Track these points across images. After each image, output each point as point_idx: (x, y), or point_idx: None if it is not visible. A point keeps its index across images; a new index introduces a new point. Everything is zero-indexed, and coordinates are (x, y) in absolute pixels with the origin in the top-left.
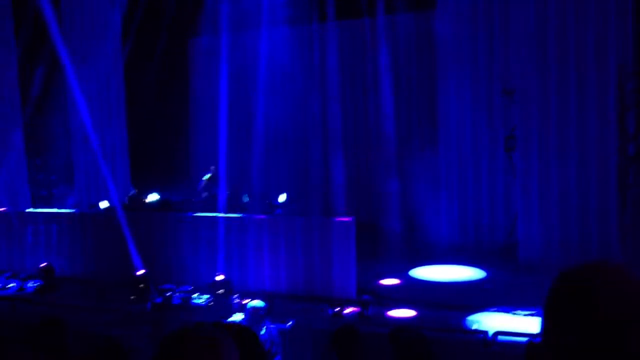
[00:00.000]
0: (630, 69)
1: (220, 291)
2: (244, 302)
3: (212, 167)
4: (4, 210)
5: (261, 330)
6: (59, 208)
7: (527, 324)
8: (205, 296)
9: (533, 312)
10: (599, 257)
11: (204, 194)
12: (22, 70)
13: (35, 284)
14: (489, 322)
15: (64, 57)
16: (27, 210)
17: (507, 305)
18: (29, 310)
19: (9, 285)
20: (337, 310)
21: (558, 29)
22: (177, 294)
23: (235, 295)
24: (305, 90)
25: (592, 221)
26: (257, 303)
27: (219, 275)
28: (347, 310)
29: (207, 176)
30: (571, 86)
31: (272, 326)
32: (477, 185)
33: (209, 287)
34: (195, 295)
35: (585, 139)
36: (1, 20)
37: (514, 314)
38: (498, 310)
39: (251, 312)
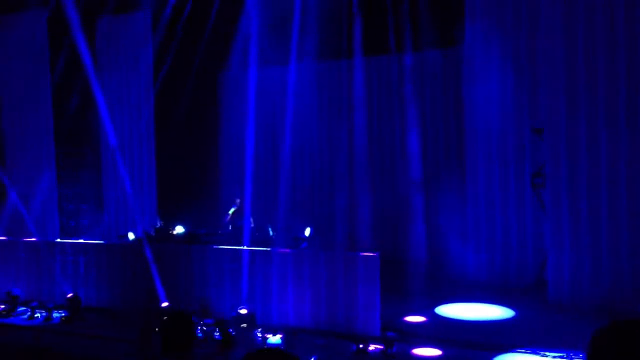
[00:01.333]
0: None
1: (244, 325)
2: (266, 336)
3: (237, 200)
4: (33, 241)
5: None
6: (87, 238)
7: None
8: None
9: (562, 354)
10: (632, 295)
11: (230, 227)
12: (56, 102)
13: (61, 314)
14: None
15: (97, 89)
16: (56, 240)
17: (535, 346)
18: (54, 340)
19: (36, 315)
20: (360, 347)
21: (587, 64)
22: (200, 327)
23: (259, 329)
24: (332, 125)
25: (623, 260)
26: (275, 340)
27: (242, 308)
28: (371, 347)
29: (232, 210)
30: (600, 121)
31: None
32: (504, 223)
33: (232, 320)
34: (218, 328)
35: (615, 175)
36: (38, 52)
37: (543, 355)
38: (526, 351)
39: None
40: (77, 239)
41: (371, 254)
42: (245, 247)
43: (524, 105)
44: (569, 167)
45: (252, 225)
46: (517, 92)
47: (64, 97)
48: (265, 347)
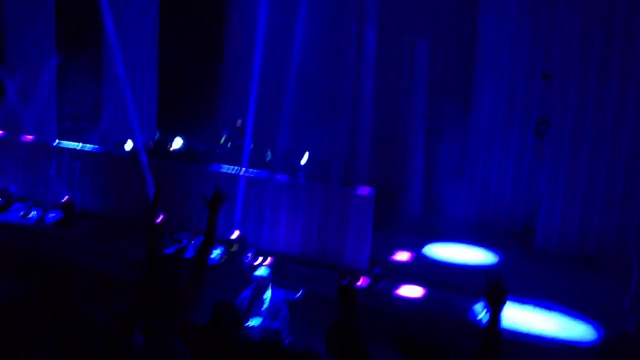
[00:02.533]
0: None
1: (235, 247)
2: (256, 260)
3: (240, 120)
4: (31, 140)
5: (266, 296)
6: (84, 143)
7: (533, 318)
8: (217, 251)
9: (541, 306)
10: (616, 255)
11: (228, 144)
12: (58, 4)
13: (54, 216)
14: None
15: None
16: (54, 143)
17: (518, 294)
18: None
19: (31, 214)
20: (346, 282)
21: (604, 18)
22: (192, 244)
23: (249, 253)
24: (341, 58)
25: (614, 216)
26: (263, 271)
27: (234, 231)
28: (358, 283)
29: (224, 137)
30: (613, 77)
31: (277, 293)
32: (503, 167)
33: (224, 242)
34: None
35: (619, 133)
36: None
37: (523, 306)
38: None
39: (257, 279)
40: (74, 143)
41: (366, 193)
42: (243, 172)
43: (538, 51)
44: (574, 117)
45: (252, 147)
46: (532, 37)
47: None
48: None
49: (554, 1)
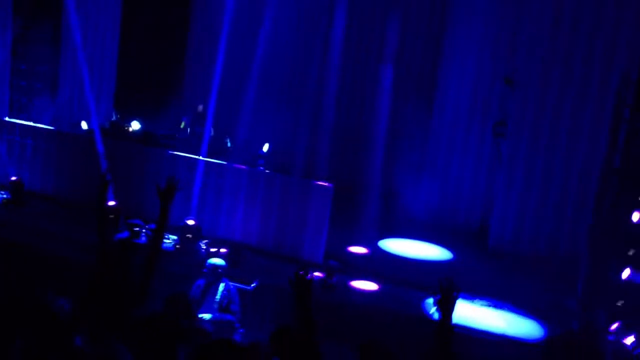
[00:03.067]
0: (634, 77)
1: (189, 235)
2: (211, 250)
3: (201, 106)
4: None
5: (219, 287)
6: (37, 120)
7: (484, 315)
8: (173, 237)
9: (490, 303)
10: (565, 257)
11: (188, 130)
12: None
13: (3, 196)
14: None
15: None
16: (5, 118)
17: (468, 292)
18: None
19: None
20: (302, 273)
21: (570, 27)
22: (145, 231)
23: (204, 242)
24: (307, 49)
25: (566, 218)
26: (217, 261)
27: (190, 219)
28: (312, 275)
29: (183, 123)
30: (572, 84)
31: (231, 284)
32: (462, 167)
33: (179, 229)
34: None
35: (575, 140)
36: None
37: (473, 302)
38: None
39: (211, 269)
40: (27, 120)
41: (325, 184)
42: (201, 157)
43: (501, 56)
44: (532, 120)
45: (212, 134)
46: (495, 42)
47: None
48: (210, 268)
49: (520, 8)
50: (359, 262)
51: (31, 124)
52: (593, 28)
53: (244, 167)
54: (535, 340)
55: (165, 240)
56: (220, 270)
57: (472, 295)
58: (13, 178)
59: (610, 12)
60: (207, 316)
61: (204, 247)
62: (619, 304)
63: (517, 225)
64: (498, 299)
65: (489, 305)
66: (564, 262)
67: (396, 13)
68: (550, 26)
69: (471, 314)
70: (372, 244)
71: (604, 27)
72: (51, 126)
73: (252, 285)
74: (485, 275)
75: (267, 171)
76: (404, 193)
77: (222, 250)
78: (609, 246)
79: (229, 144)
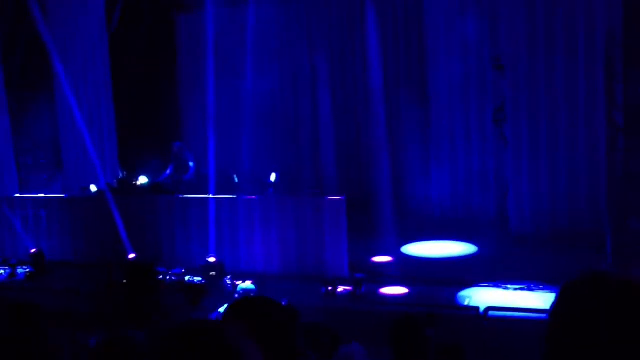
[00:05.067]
0: (618, 38)
1: (212, 273)
2: (236, 283)
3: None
4: None
5: None
6: (47, 192)
7: (518, 298)
8: (197, 278)
9: (523, 286)
10: (588, 227)
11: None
12: (4, 53)
13: (25, 270)
14: (481, 297)
15: (47, 37)
16: (16, 195)
17: (499, 280)
18: (20, 297)
19: (0, 272)
20: (329, 289)
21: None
22: (169, 277)
23: (228, 277)
24: (294, 67)
25: (581, 191)
26: (248, 286)
27: (210, 257)
28: (340, 289)
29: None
30: (559, 56)
31: None
32: (468, 159)
33: (201, 269)
34: (187, 277)
35: (574, 109)
36: None
37: (505, 288)
38: (489, 285)
39: (242, 295)
40: (37, 194)
41: (337, 198)
42: (211, 196)
43: (485, 40)
44: (528, 100)
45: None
46: (479, 27)
47: (12, 48)
48: (242, 294)
49: None
50: (385, 270)
51: (42, 195)
52: None
53: (254, 196)
54: None
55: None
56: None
57: (504, 282)
58: (32, 250)
59: None
60: None
61: (229, 282)
62: None
63: (534, 206)
64: (531, 282)
65: (523, 289)
66: (588, 234)
67: (372, 16)
68: (526, 3)
69: (507, 299)
70: (394, 251)
71: None
72: (61, 194)
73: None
74: (513, 261)
75: (277, 195)
76: (416, 195)
77: (248, 282)
78: (630, 198)
79: (236, 180)
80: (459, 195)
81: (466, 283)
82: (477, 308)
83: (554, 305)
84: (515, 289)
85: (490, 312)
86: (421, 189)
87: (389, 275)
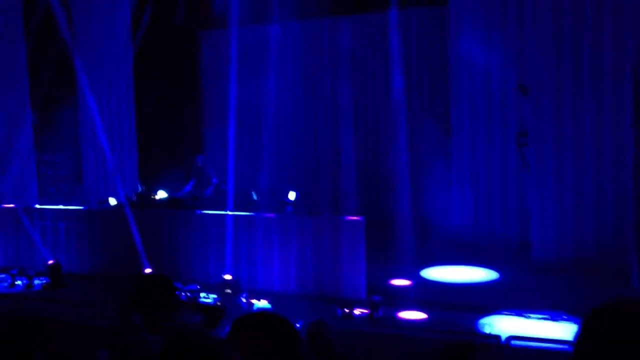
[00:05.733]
0: None
1: (228, 290)
2: (251, 301)
3: (202, 157)
4: (12, 207)
5: None
6: (66, 204)
7: (541, 327)
8: (213, 295)
9: (546, 315)
10: (614, 257)
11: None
12: (31, 66)
13: (42, 282)
14: (502, 325)
15: (74, 53)
16: (35, 206)
17: (521, 308)
18: (36, 307)
19: (17, 282)
20: (346, 311)
21: (574, 24)
22: (184, 293)
23: (244, 295)
24: (315, 86)
25: (608, 219)
26: (263, 305)
27: (226, 274)
28: (357, 312)
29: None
30: (585, 81)
31: None
32: (489, 183)
33: (217, 286)
34: (202, 294)
35: (601, 135)
36: (11, 17)
37: (527, 317)
38: (510, 313)
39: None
40: (57, 205)
41: (356, 218)
42: (229, 212)
43: (510, 64)
44: (553, 125)
45: (216, 181)
46: (503, 51)
47: (39, 61)
48: (254, 311)
49: (522, 15)
50: (403, 294)
51: (61, 207)
52: (597, 21)
53: (273, 214)
54: None
55: (205, 299)
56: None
57: (526, 310)
58: (50, 262)
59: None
60: None
61: (245, 300)
62: None
63: (558, 233)
64: (554, 311)
65: (548, 319)
66: (614, 263)
67: (396, 37)
68: (552, 24)
69: (529, 327)
70: (413, 274)
71: (607, 18)
72: (80, 206)
73: (297, 325)
74: (535, 289)
75: (296, 215)
76: (436, 219)
77: (264, 301)
78: None
79: (254, 197)
80: (481, 220)
81: (487, 310)
82: (499, 336)
83: (578, 333)
84: (538, 318)
85: (513, 342)
86: (442, 213)
87: (407, 299)
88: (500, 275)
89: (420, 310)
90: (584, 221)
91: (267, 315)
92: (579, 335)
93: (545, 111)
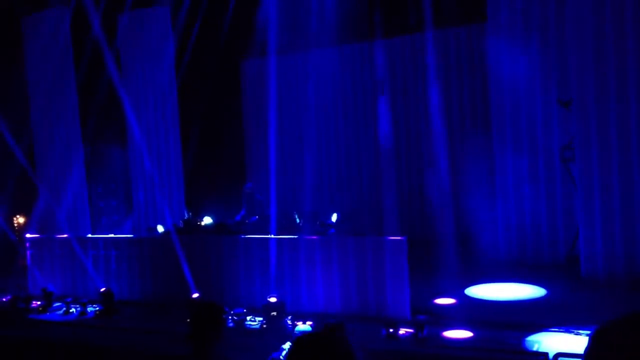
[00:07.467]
0: None
1: (274, 313)
2: (296, 324)
3: (250, 185)
4: (66, 237)
5: None
6: (117, 233)
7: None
8: (259, 319)
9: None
10: None
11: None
12: (82, 99)
13: (95, 309)
14: (550, 342)
15: (121, 85)
16: (88, 235)
17: (569, 325)
18: (90, 334)
19: (71, 310)
20: (391, 331)
21: (616, 36)
22: (231, 316)
23: (289, 317)
24: (357, 109)
25: None
26: (305, 328)
27: (272, 296)
28: (402, 331)
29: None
30: (630, 93)
31: None
32: (534, 199)
33: (262, 309)
34: (249, 317)
35: None
36: (61, 51)
37: (576, 333)
38: (559, 330)
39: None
40: (108, 234)
41: (398, 238)
42: (273, 236)
43: (551, 78)
44: (599, 140)
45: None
46: (543, 65)
47: (89, 93)
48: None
49: (561, 26)
50: (448, 313)
51: (112, 235)
52: (638, 25)
53: (315, 237)
54: None
55: (251, 322)
56: None
57: (574, 327)
58: (102, 289)
59: None
60: None
61: (290, 323)
62: None
63: (607, 249)
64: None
65: None
66: None
67: (437, 61)
68: (593, 33)
69: (578, 344)
70: (458, 293)
71: None
72: (130, 235)
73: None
74: (583, 305)
75: (338, 236)
76: (481, 237)
77: (308, 323)
78: None
79: (297, 220)
80: (528, 236)
81: (534, 327)
82: (547, 354)
83: (588, 347)
84: (587, 335)
85: (560, 359)
86: (487, 231)
87: (452, 317)
88: (548, 291)
89: (466, 329)
90: (633, 236)
91: (327, 336)
92: (588, 350)
93: (590, 124)
